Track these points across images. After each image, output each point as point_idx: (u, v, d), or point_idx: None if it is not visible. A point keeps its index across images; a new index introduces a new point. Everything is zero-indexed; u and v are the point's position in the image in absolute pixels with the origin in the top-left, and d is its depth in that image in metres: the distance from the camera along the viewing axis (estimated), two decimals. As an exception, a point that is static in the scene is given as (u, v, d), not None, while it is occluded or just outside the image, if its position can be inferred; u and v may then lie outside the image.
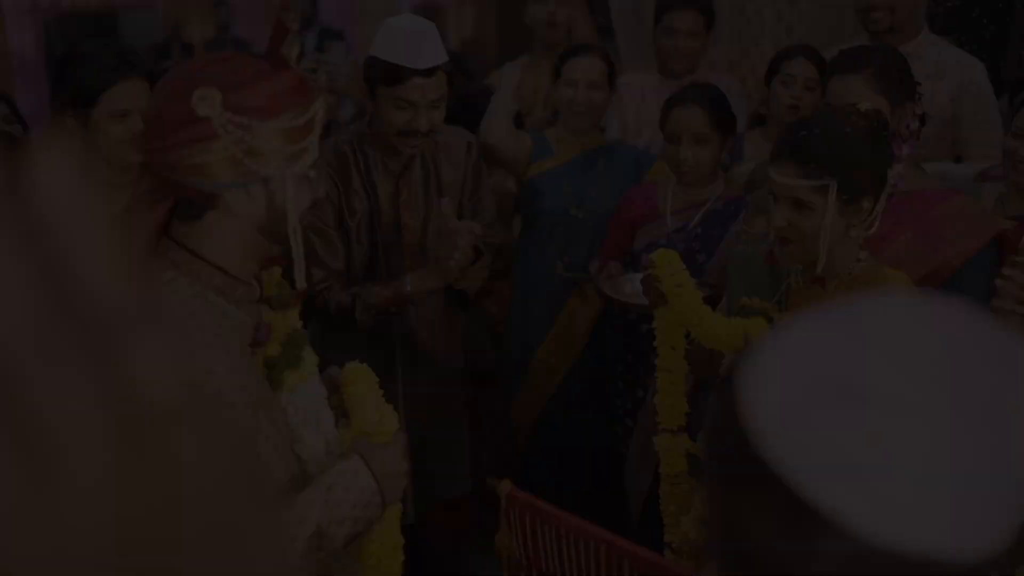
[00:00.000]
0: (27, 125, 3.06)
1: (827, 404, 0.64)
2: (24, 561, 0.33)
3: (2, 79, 7.11)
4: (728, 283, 2.32)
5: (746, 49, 3.85)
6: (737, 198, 2.93)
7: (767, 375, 0.68)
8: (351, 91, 3.53)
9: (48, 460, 0.33)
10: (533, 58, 3.98)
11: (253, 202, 1.48)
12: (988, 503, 0.64)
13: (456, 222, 2.53)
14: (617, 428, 3.28)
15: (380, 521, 1.64)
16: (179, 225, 1.51)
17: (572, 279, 3.27)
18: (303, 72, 1.51)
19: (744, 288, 2.20)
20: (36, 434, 0.33)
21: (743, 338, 1.94)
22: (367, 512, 1.57)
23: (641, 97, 3.64)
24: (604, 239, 3.19)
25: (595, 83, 3.21)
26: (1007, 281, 2.05)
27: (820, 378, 0.66)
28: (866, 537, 0.64)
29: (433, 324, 2.89)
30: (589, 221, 3.30)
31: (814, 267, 2.06)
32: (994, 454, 0.63)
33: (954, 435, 0.63)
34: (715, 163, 2.90)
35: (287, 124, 1.44)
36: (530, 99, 3.88)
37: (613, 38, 4.36)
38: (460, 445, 3.02)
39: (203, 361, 1.37)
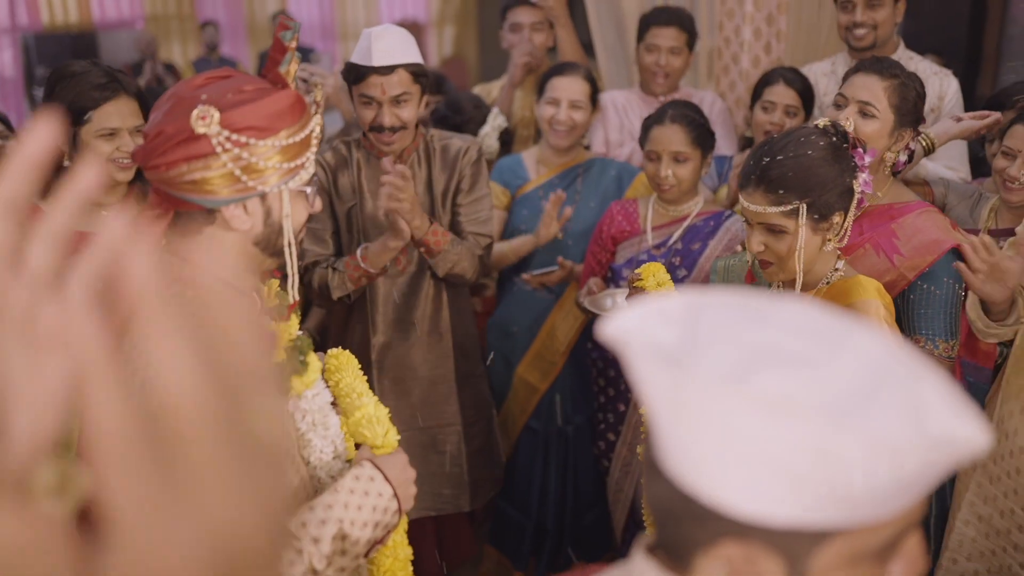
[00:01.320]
0: None
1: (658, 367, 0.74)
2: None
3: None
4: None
5: (726, 67, 3.89)
6: (716, 213, 2.96)
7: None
8: (339, 103, 3.59)
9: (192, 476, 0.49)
10: (511, 75, 3.98)
11: (251, 217, 1.51)
12: (784, 480, 0.71)
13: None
14: (600, 441, 3.30)
15: (393, 533, 1.66)
16: (179, 239, 1.54)
17: (537, 281, 3.29)
18: (299, 87, 1.54)
19: None
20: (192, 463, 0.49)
21: None
22: (386, 518, 1.59)
23: (624, 113, 3.67)
24: (584, 256, 3.21)
25: (577, 103, 3.24)
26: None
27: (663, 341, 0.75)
28: (676, 480, 0.77)
29: (423, 335, 2.94)
30: (567, 241, 3.32)
31: (794, 281, 2.09)
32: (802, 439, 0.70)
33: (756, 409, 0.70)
34: (695, 180, 2.93)
35: (284, 142, 1.47)
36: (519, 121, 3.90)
37: (593, 55, 4.39)
38: (459, 457, 3.04)
39: None
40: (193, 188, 1.45)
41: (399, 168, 2.57)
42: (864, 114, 2.37)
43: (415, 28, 10.24)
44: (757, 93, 3.26)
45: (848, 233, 2.06)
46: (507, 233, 3.42)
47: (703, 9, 3.99)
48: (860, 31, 3.11)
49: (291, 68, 1.50)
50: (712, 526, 0.75)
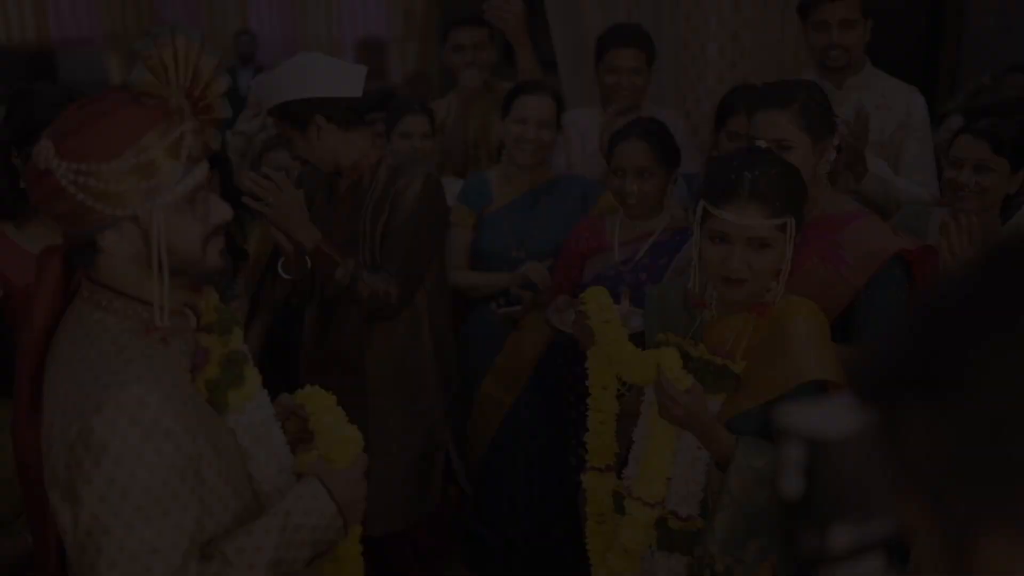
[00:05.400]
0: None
1: None
2: None
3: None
4: (646, 321, 2.33)
5: (692, 84, 3.92)
6: (683, 229, 2.97)
7: None
8: None
9: None
10: (460, 96, 3.95)
11: (130, 242, 1.43)
12: None
13: None
14: (571, 457, 3.29)
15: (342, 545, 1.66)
16: (91, 268, 1.49)
17: (505, 315, 3.28)
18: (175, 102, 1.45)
19: (661, 325, 2.20)
20: None
21: (656, 368, 1.99)
22: (328, 535, 1.57)
23: (586, 135, 3.68)
24: (553, 272, 3.20)
25: (545, 122, 3.25)
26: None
27: None
28: None
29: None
30: (530, 260, 3.31)
31: (730, 302, 2.06)
32: None
33: None
34: (660, 195, 2.95)
35: (135, 160, 1.38)
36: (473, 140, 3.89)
37: (557, 73, 4.39)
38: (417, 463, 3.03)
39: (136, 393, 1.36)
40: (64, 222, 1.42)
41: (278, 175, 2.65)
42: (782, 147, 2.29)
43: (377, 45, 10.23)
44: (720, 121, 3.25)
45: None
46: (472, 254, 3.41)
47: (668, 26, 4.00)
48: (835, 52, 3.14)
49: (148, 78, 1.39)
50: None
